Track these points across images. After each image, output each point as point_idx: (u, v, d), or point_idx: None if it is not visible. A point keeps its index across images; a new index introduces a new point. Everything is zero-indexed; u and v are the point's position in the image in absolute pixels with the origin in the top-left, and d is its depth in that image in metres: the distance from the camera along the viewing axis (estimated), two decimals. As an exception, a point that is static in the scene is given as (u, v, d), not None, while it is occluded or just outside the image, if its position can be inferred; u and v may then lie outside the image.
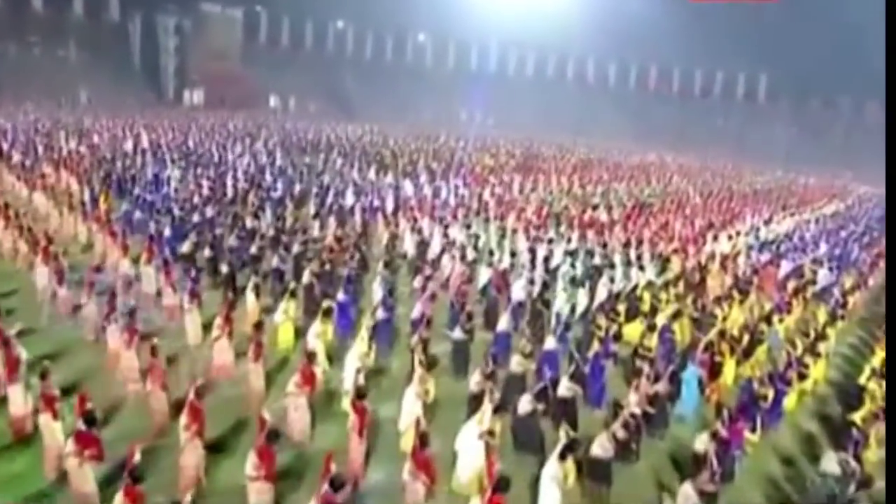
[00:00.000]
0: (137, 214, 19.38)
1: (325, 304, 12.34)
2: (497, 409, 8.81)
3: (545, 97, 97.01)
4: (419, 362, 10.04)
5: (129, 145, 33.07)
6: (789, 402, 11.90)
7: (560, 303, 14.69)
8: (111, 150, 31.34)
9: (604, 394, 11.69)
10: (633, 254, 19.07)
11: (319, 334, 11.26)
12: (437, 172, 32.36)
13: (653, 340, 12.49)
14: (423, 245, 18.45)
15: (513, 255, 17.95)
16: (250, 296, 12.78)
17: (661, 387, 10.73)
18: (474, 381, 10.06)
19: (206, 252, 15.90)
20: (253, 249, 16.25)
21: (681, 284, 16.80)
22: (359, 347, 10.82)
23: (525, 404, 9.53)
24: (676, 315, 13.67)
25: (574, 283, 15.45)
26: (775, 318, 14.85)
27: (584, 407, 10.84)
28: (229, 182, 25.20)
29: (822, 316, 15.65)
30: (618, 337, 12.75)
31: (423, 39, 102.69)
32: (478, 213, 23.00)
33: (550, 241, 19.99)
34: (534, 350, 11.60)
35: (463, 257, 16.64)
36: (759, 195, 38.20)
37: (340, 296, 13.28)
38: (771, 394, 10.60)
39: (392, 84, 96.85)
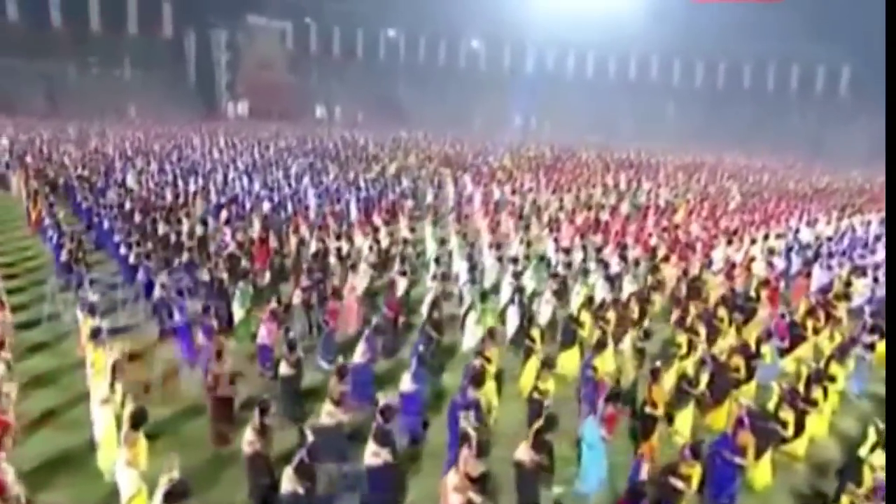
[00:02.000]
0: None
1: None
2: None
3: (606, 100, 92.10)
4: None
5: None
6: (758, 475, 8.17)
7: (470, 324, 11.35)
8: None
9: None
10: (613, 260, 15.45)
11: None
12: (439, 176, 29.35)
13: (549, 382, 8.96)
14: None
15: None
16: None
17: (525, 455, 7.26)
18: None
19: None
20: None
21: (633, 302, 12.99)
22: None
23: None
24: (599, 345, 10.04)
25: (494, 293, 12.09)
26: (767, 347, 10.96)
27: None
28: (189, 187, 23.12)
29: (828, 344, 11.52)
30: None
31: (477, 45, 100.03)
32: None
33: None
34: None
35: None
36: (819, 195, 32.92)
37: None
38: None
39: (444, 90, 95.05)
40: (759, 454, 8.11)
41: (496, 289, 14.03)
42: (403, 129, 69.37)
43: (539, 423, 7.45)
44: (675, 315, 12.85)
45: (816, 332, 12.37)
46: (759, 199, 28.95)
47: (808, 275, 16.26)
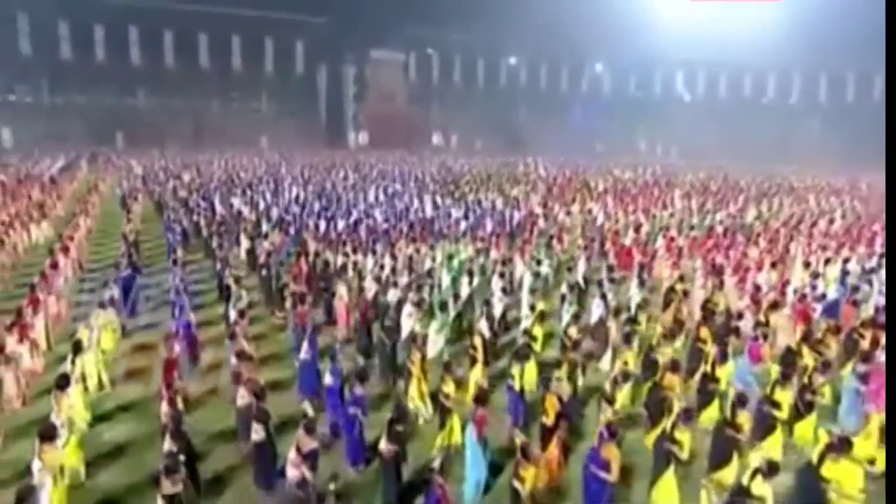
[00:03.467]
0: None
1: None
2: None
3: (741, 121, 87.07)
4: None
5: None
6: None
7: (432, 333, 11.80)
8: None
9: (360, 452, 8.80)
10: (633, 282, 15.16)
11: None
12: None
13: (450, 385, 9.17)
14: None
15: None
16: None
17: (383, 446, 7.66)
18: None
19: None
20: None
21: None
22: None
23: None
24: (519, 354, 10.02)
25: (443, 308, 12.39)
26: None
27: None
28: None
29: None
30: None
31: (601, 69, 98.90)
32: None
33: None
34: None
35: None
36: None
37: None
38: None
39: (566, 116, 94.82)
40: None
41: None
42: (522, 155, 70.21)
43: (390, 415, 7.80)
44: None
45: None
46: (851, 224, 26.28)
47: (856, 302, 14.72)
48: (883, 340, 12.34)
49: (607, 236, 21.38)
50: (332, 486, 6.67)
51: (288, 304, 13.86)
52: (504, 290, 14.21)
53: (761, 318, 13.08)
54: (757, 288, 15.17)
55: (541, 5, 74.59)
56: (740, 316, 12.54)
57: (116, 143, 67.00)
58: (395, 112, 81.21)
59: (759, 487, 7.15)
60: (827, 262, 18.14)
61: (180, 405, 8.92)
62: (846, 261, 17.76)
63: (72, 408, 8.61)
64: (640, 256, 18.90)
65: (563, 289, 14.72)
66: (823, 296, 14.81)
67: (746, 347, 11.27)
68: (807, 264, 17.59)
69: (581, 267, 17.35)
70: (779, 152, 75.80)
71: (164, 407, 8.72)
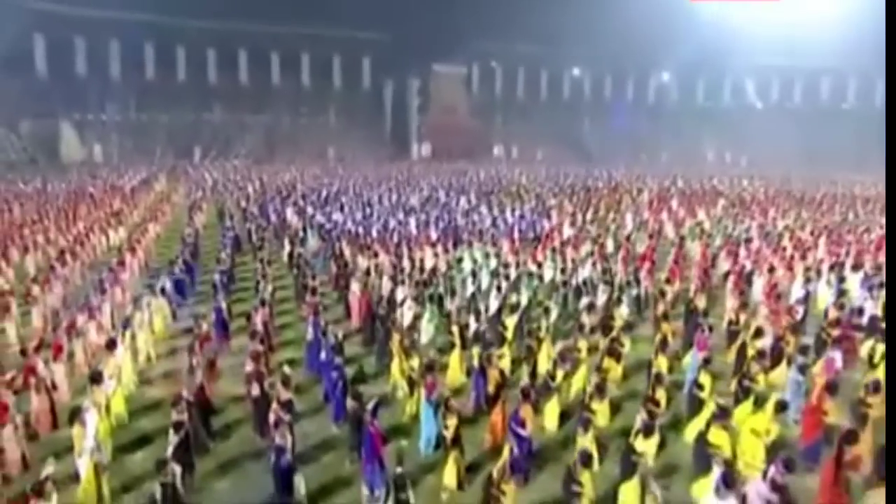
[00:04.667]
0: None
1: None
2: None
3: (818, 127, 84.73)
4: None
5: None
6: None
7: (424, 322, 13.90)
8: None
9: (341, 412, 10.92)
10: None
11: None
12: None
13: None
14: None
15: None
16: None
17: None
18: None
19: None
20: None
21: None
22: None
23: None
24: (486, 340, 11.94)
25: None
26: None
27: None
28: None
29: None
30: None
31: (668, 79, 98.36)
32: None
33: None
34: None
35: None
36: None
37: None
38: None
39: (632, 126, 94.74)
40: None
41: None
42: (585, 166, 71.23)
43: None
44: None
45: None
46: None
47: (842, 306, 15.69)
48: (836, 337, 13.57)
49: (621, 243, 22.85)
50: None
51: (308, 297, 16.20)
52: (498, 289, 16.07)
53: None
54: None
55: (605, 16, 75.18)
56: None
57: (194, 156, 72.47)
58: (457, 124, 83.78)
59: (641, 444, 8.85)
60: (831, 268, 19.03)
61: (199, 375, 11.20)
62: (841, 265, 18.65)
63: (118, 366, 11.18)
64: (649, 264, 20.27)
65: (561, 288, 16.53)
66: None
67: (696, 339, 12.70)
68: (807, 270, 18.53)
69: (585, 271, 18.95)
70: (858, 160, 73.37)
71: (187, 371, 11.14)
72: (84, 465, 8.60)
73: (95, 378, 9.93)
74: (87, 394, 9.85)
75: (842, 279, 17.81)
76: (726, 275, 18.87)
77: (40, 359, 11.26)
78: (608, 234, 25.58)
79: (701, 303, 15.52)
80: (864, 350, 13.81)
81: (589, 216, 29.90)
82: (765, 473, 7.96)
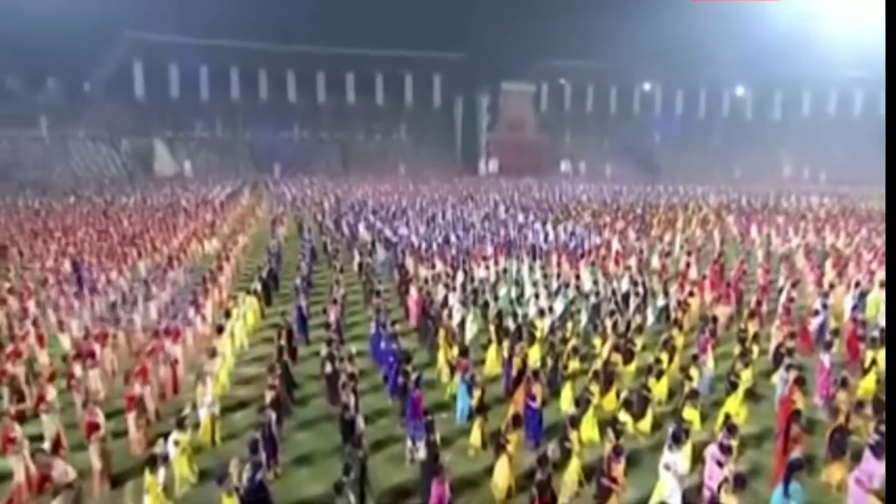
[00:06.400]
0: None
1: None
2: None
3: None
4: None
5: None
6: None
7: (468, 322, 16.72)
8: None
9: (396, 388, 13.79)
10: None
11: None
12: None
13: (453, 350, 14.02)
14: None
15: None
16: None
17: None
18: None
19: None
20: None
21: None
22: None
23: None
24: (521, 337, 14.59)
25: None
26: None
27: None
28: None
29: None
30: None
31: (743, 93, 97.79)
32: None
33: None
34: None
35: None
36: None
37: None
38: None
39: (705, 141, 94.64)
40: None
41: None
42: (653, 181, 72.37)
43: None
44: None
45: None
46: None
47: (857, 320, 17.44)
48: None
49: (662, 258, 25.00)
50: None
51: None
52: (536, 296, 18.69)
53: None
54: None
55: (677, 30, 76.15)
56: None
57: (274, 172, 78.06)
58: (524, 140, 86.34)
59: (623, 416, 11.34)
60: (857, 284, 20.63)
61: (285, 356, 14.39)
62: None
63: (224, 345, 14.52)
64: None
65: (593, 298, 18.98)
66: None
67: (699, 342, 14.92)
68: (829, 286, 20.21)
69: (623, 284, 21.26)
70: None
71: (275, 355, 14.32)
72: (204, 415, 11.82)
73: (211, 353, 13.28)
74: (205, 364, 13.17)
75: (863, 294, 19.44)
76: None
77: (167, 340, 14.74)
78: (652, 251, 27.64)
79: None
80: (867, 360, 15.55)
81: (639, 233, 31.94)
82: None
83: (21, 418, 11.27)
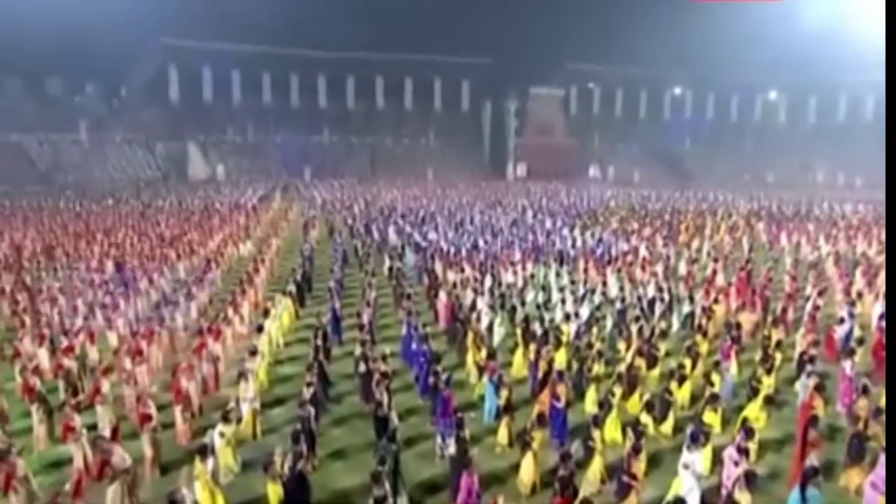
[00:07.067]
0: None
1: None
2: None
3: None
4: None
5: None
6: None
7: (496, 326, 17.32)
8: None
9: (426, 388, 14.44)
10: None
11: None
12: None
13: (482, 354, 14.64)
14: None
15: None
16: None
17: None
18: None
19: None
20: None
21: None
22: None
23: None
24: (547, 341, 15.14)
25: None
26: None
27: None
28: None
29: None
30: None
31: (776, 97, 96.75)
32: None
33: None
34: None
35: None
36: None
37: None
38: None
39: (736, 146, 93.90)
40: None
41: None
42: (682, 186, 72.10)
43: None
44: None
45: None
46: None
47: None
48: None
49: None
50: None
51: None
52: (563, 301, 19.22)
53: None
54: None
55: (707, 33, 75.82)
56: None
57: (305, 175, 79.41)
58: (553, 145, 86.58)
59: (645, 418, 11.83)
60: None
61: (321, 355, 15.14)
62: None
63: (263, 343, 15.31)
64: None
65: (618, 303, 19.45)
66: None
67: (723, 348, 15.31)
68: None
69: (649, 290, 21.65)
70: None
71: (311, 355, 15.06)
72: (245, 410, 12.58)
73: (252, 351, 14.06)
74: (246, 361, 13.96)
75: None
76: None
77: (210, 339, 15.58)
78: (679, 258, 27.93)
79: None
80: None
81: (666, 240, 32.21)
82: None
83: (78, 409, 12.11)
